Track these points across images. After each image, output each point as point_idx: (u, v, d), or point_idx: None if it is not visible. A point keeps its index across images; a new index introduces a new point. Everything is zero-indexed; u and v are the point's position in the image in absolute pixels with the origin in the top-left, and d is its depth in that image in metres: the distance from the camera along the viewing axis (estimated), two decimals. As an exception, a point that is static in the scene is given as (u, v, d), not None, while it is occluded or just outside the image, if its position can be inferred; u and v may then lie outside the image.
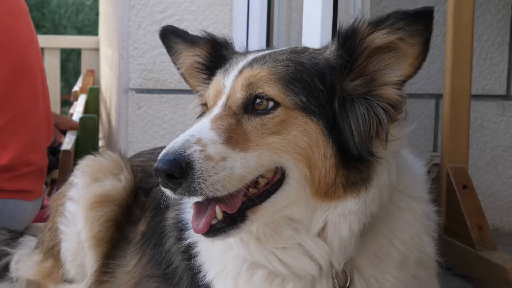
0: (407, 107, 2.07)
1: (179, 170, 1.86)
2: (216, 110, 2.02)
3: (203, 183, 1.87)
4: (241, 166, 1.92)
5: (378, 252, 2.13)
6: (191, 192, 1.89)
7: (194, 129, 1.96)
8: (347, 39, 2.04)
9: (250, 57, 2.11)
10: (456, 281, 3.62)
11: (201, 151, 1.88)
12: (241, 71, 2.06)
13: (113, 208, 2.85)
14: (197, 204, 1.99)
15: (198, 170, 1.87)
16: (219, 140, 1.92)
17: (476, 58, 4.41)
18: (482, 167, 4.54)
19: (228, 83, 2.07)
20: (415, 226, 2.17)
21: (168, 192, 1.94)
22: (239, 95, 2.01)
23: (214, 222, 1.96)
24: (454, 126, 3.72)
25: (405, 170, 2.17)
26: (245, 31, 4.29)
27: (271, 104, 1.98)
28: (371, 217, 2.06)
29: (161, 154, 1.88)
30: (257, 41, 4.19)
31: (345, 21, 2.10)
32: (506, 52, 4.49)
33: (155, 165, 1.88)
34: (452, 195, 3.67)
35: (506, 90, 4.53)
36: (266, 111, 1.98)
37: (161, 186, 1.94)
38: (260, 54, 2.13)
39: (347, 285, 2.10)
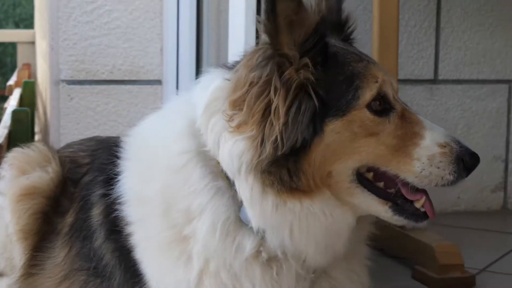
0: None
1: None
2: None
3: None
4: None
5: None
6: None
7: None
8: None
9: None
10: (388, 261, 3.71)
11: None
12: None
13: (41, 200, 2.82)
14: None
15: None
16: None
17: (404, 43, 4.48)
18: (411, 151, 4.62)
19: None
20: None
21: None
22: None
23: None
24: (382, 110, 3.77)
25: None
26: (176, 20, 4.29)
27: None
28: None
29: (473, 153, 2.13)
30: (188, 28, 4.19)
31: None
32: (433, 37, 4.58)
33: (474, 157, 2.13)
34: (382, 178, 3.73)
35: (433, 74, 4.62)
36: None
37: (461, 176, 2.14)
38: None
39: None
